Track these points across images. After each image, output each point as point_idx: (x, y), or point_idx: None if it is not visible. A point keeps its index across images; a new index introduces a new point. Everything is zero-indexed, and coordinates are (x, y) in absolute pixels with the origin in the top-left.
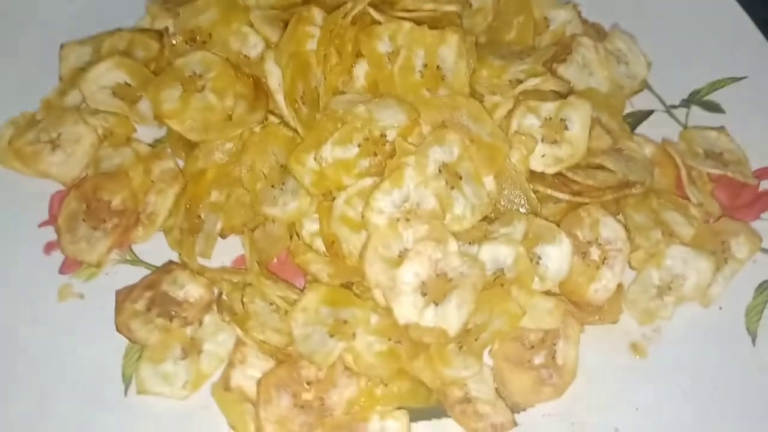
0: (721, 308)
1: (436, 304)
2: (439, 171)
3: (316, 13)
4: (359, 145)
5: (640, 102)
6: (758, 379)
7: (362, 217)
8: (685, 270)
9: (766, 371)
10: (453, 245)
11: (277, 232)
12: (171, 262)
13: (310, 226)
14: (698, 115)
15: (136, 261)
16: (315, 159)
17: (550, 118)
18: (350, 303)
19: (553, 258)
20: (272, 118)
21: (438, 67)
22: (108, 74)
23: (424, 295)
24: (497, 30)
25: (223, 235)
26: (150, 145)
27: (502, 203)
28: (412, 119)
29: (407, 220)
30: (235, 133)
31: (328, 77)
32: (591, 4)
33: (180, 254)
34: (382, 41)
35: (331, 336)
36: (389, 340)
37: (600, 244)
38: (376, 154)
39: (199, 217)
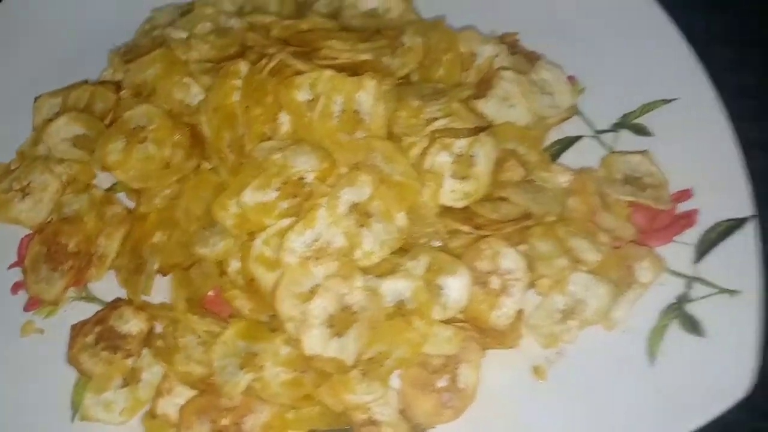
0: (624, 331)
1: (340, 336)
2: (351, 210)
3: (242, 67)
4: (278, 189)
5: (574, 127)
6: (654, 401)
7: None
8: (586, 296)
9: (662, 393)
10: (358, 280)
11: (209, 270)
12: (118, 299)
13: (235, 265)
14: (628, 139)
15: (91, 298)
16: (237, 204)
17: (461, 155)
18: (262, 337)
19: (454, 288)
20: (206, 165)
21: (356, 111)
22: (66, 128)
23: (331, 327)
24: (428, 67)
25: (163, 273)
26: (108, 189)
27: (417, 237)
28: (329, 162)
29: (318, 258)
30: (172, 180)
31: (252, 127)
32: (527, 31)
33: (127, 291)
34: (301, 90)
35: (242, 368)
36: (295, 370)
37: (500, 274)
38: (296, 196)
39: (142, 257)
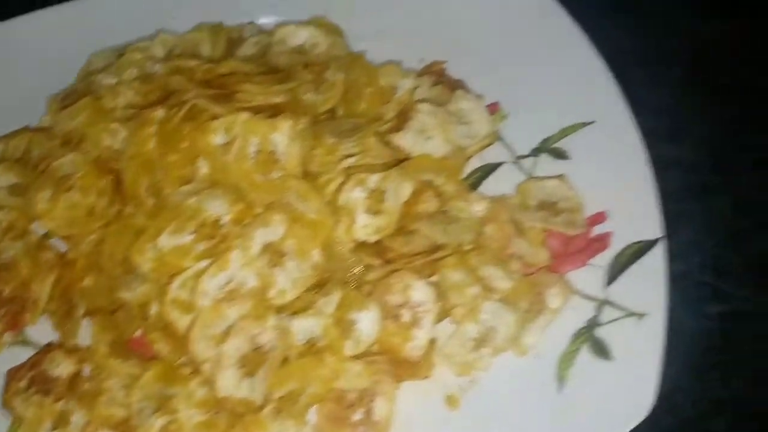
0: (536, 357)
1: (250, 377)
2: (264, 251)
3: (159, 114)
4: (194, 232)
5: (496, 154)
6: (562, 427)
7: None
8: (496, 323)
9: (570, 418)
10: (271, 320)
11: (133, 314)
12: (51, 343)
13: (155, 308)
14: (548, 163)
15: (27, 343)
16: (154, 248)
17: (375, 190)
18: (178, 380)
19: (365, 323)
20: (128, 210)
21: (271, 152)
22: (2, 177)
23: (242, 368)
24: (351, 101)
25: (91, 317)
26: (44, 235)
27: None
28: (243, 204)
29: (231, 299)
30: (96, 226)
31: (169, 172)
32: (454, 59)
33: (59, 335)
34: (216, 134)
35: (156, 411)
36: (208, 412)
37: (411, 307)
38: (213, 238)
39: (72, 301)
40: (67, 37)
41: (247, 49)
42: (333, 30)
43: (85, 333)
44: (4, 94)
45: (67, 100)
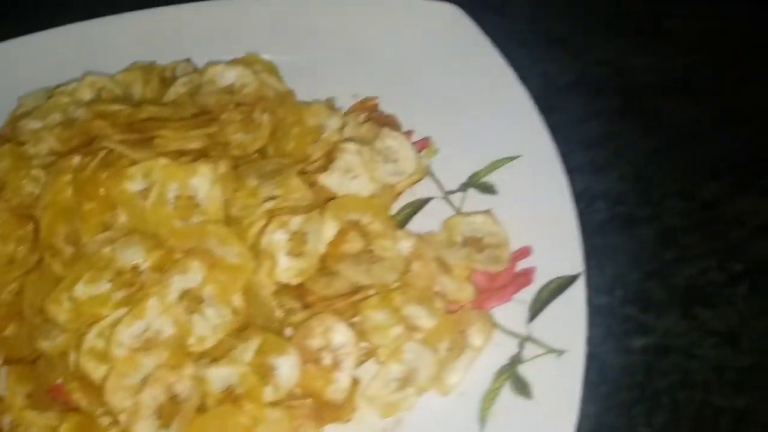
0: (459, 396)
1: (166, 428)
2: (182, 298)
3: (76, 161)
4: (111, 281)
5: (427, 189)
6: None
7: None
8: (419, 363)
9: None
10: (188, 369)
11: (53, 363)
12: None
13: (73, 358)
14: (474, 198)
15: None
16: (70, 298)
17: (297, 232)
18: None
19: (284, 368)
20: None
21: (191, 197)
22: None
23: (159, 419)
24: (279, 141)
25: (11, 366)
26: None
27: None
28: (161, 251)
29: (147, 349)
30: (17, 275)
31: (87, 220)
32: (387, 95)
33: None
34: (133, 181)
35: None
36: None
37: (332, 350)
38: (132, 285)
39: None
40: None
41: (178, 89)
42: (267, 67)
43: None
44: None
45: None
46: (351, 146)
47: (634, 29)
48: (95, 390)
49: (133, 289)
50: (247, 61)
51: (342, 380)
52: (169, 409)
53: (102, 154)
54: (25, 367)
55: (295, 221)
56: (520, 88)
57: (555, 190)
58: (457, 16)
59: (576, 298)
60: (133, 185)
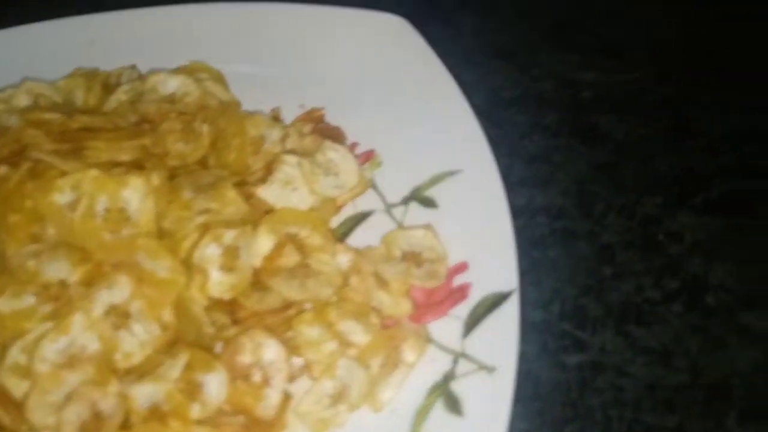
0: (392, 412)
1: None
2: (108, 313)
3: (1, 171)
4: (36, 294)
5: (369, 202)
6: None
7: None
8: (351, 379)
9: None
10: (113, 386)
11: None
12: None
13: None
14: (416, 212)
15: None
16: None
17: (230, 246)
18: None
19: (212, 385)
20: None
21: (122, 209)
22: None
23: None
24: (220, 152)
25: None
26: None
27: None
28: (88, 264)
29: (71, 365)
30: None
31: (12, 233)
32: (333, 106)
33: None
34: (62, 193)
35: None
36: None
37: (261, 366)
38: (59, 299)
39: None
40: None
41: (119, 96)
42: (213, 75)
43: None
44: None
45: None
46: (291, 158)
47: (581, 44)
48: (16, 407)
49: (60, 304)
50: (192, 70)
51: (272, 397)
52: (92, 427)
53: (27, 164)
54: None
55: (229, 235)
56: (463, 102)
57: (493, 206)
58: (404, 28)
59: (509, 314)
60: (62, 197)
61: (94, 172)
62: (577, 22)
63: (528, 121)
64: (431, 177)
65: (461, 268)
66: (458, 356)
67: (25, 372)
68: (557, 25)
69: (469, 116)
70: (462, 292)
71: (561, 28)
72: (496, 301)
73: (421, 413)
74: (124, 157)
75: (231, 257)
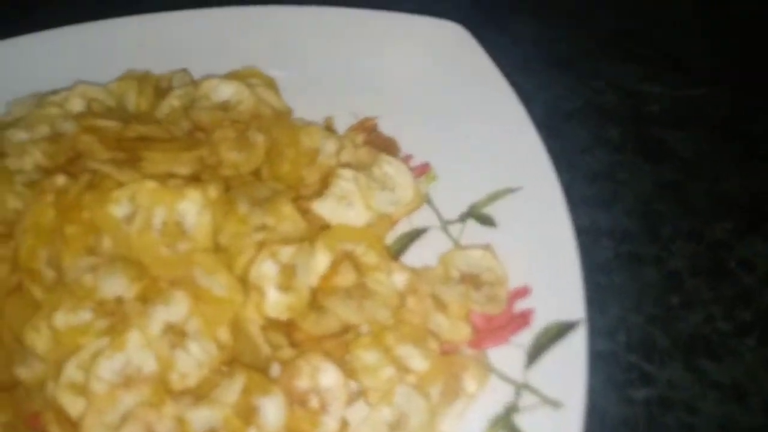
0: None
1: None
2: (166, 331)
3: (59, 181)
4: (92, 310)
5: (424, 218)
6: None
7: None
8: (409, 408)
9: None
10: (169, 407)
11: (32, 391)
12: None
13: (51, 388)
14: (473, 230)
15: None
16: (49, 326)
17: (287, 264)
18: None
19: (270, 409)
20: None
21: (178, 223)
22: None
23: None
24: (274, 162)
25: None
26: None
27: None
28: (145, 280)
29: (127, 385)
30: None
31: (69, 244)
32: (386, 115)
33: None
34: (119, 205)
35: None
36: None
37: (319, 392)
38: (114, 314)
39: None
40: None
41: (172, 102)
42: (266, 82)
43: None
44: None
45: None
46: (347, 173)
47: (643, 54)
48: (72, 425)
49: (116, 319)
50: (245, 75)
51: (329, 424)
52: None
53: (87, 176)
54: (4, 395)
55: (286, 252)
56: (523, 114)
57: (557, 227)
58: (461, 35)
59: (576, 346)
60: (118, 209)
61: (151, 184)
62: (639, 32)
63: (589, 134)
64: (489, 193)
65: (523, 292)
66: (521, 387)
67: (81, 390)
68: (617, 33)
69: (529, 129)
70: (524, 319)
71: (622, 37)
72: (561, 331)
73: None
74: (182, 169)
75: (288, 276)
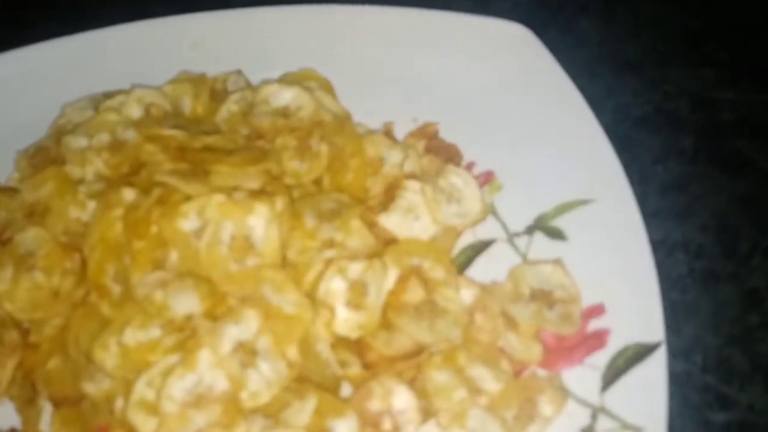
0: None
1: None
2: (236, 349)
3: (127, 195)
4: (161, 327)
5: (488, 229)
6: None
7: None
8: (482, 431)
9: None
10: (241, 429)
11: (98, 406)
12: (13, 429)
13: (120, 403)
14: (541, 243)
15: None
16: (118, 343)
17: (356, 281)
18: None
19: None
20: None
21: (247, 237)
22: None
23: None
24: (336, 171)
25: (55, 405)
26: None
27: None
28: (214, 298)
29: (198, 404)
30: (61, 309)
31: (136, 259)
32: (447, 121)
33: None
34: (187, 219)
35: None
36: None
37: (392, 414)
38: (183, 330)
39: (35, 387)
40: (41, 81)
41: (230, 107)
42: (323, 84)
43: (49, 418)
44: None
45: (36, 158)
46: (414, 185)
47: (716, 59)
48: None
49: (184, 336)
50: (301, 77)
51: None
52: None
53: (158, 191)
54: (71, 410)
55: (355, 268)
56: (594, 123)
57: (633, 242)
58: (526, 37)
59: (656, 369)
60: (187, 223)
61: (219, 198)
62: (710, 34)
63: (661, 143)
64: (558, 205)
65: (597, 311)
66: (597, 411)
67: (152, 408)
68: (688, 36)
69: (600, 138)
70: (599, 340)
71: (692, 40)
72: (639, 353)
73: None
74: (251, 184)
75: (357, 293)
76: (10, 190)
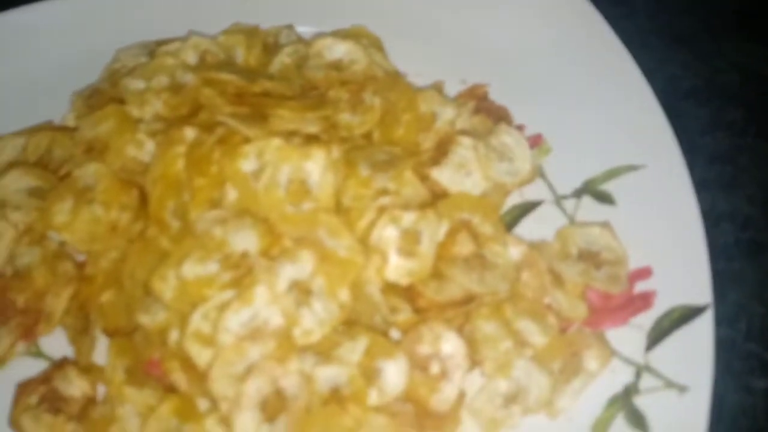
0: (568, 421)
1: (270, 422)
2: (291, 288)
3: (188, 133)
4: (219, 262)
5: (536, 191)
6: None
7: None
8: (529, 383)
9: None
10: (294, 364)
11: (151, 338)
12: (65, 358)
13: (174, 335)
14: (589, 206)
15: (39, 354)
16: (176, 276)
17: (409, 230)
18: (194, 416)
19: (391, 373)
20: (153, 230)
21: (303, 181)
22: (19, 181)
23: (263, 411)
24: (389, 125)
25: (108, 335)
26: (62, 241)
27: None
28: (271, 237)
29: (254, 338)
30: (118, 242)
31: (196, 196)
32: (496, 83)
33: (74, 351)
34: (247, 160)
35: None
36: None
37: (440, 359)
38: (239, 267)
39: (89, 317)
40: (94, 27)
41: (283, 59)
42: (374, 42)
43: (101, 350)
44: (25, 84)
45: (92, 99)
46: (466, 140)
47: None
48: (197, 374)
49: (240, 272)
50: (352, 34)
51: (449, 391)
52: (273, 404)
53: (221, 130)
54: (126, 340)
55: (408, 218)
56: (647, 90)
57: (683, 209)
58: (579, 2)
59: (702, 332)
60: (247, 164)
61: (277, 142)
62: (761, 11)
63: (710, 115)
64: (607, 170)
65: (644, 273)
66: (642, 369)
67: (207, 340)
68: (741, 11)
69: (653, 104)
70: (645, 301)
71: (746, 16)
72: (685, 315)
73: (600, 424)
74: (310, 128)
75: (409, 241)
76: (65, 129)
